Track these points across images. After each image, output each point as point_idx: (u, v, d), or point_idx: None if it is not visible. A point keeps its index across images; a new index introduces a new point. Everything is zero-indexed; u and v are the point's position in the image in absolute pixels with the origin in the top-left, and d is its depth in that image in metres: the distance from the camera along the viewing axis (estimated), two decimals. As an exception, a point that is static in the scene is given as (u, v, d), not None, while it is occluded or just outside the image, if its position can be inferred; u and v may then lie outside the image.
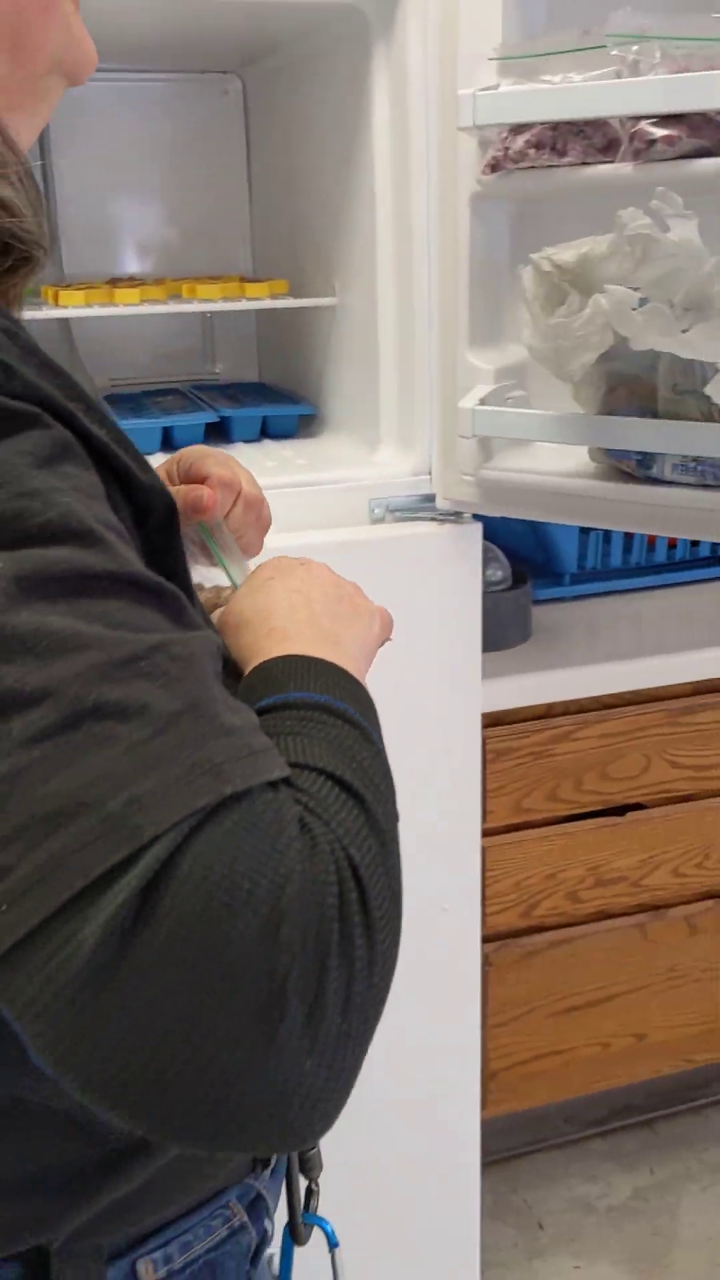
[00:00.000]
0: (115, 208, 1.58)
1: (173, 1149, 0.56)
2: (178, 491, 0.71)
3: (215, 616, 0.66)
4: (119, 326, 1.54)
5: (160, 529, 0.52)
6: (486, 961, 1.51)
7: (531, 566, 1.63)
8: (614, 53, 0.95)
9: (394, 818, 0.46)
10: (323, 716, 0.48)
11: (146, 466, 0.53)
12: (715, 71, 0.89)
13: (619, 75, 0.94)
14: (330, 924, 0.36)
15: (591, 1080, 1.65)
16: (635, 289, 0.88)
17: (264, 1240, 0.65)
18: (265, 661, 0.54)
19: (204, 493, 0.70)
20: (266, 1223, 0.65)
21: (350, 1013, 0.37)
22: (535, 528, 1.66)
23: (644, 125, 0.93)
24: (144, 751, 0.36)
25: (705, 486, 0.98)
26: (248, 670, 0.54)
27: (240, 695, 0.50)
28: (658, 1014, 1.64)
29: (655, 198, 0.85)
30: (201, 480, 0.72)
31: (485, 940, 1.47)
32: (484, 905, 1.46)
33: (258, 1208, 0.64)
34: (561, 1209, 1.71)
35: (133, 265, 1.60)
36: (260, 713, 0.47)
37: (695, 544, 1.72)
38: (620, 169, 0.95)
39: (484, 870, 1.45)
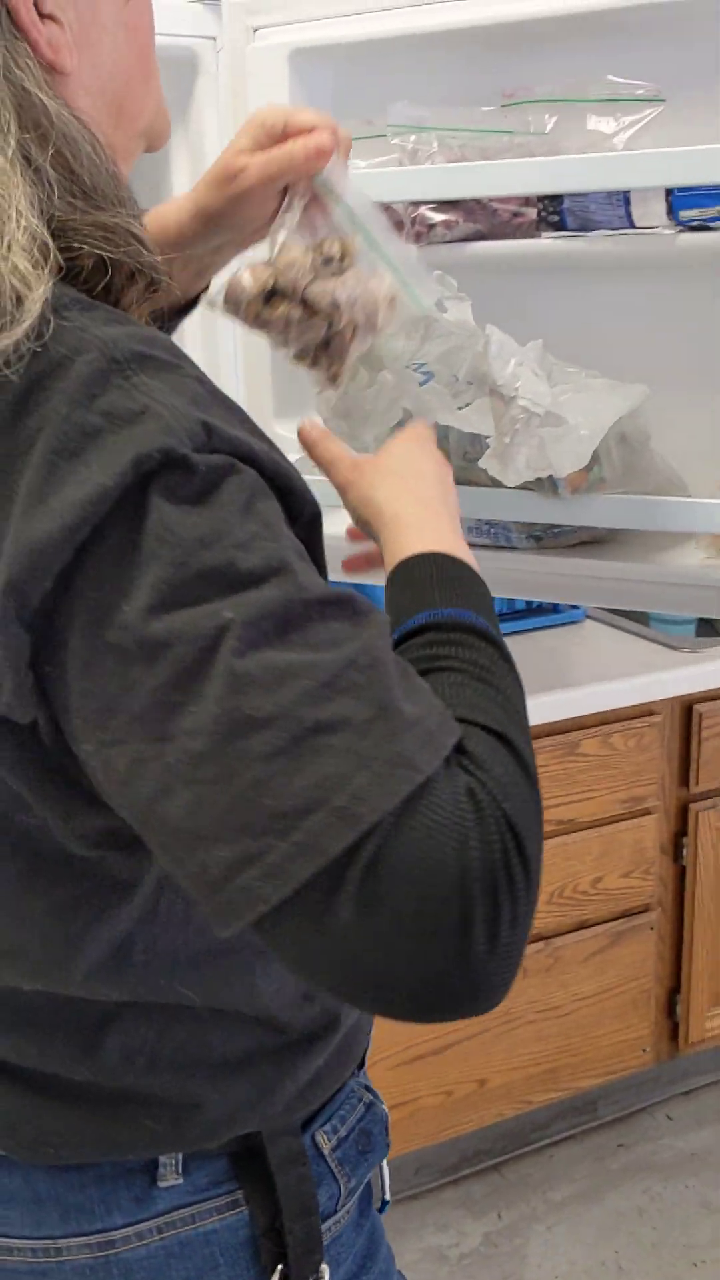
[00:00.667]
0: None
1: (338, 1037, 0.71)
2: (291, 149, 0.72)
3: (335, 276, 0.71)
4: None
5: (308, 526, 0.59)
6: (325, 1019, 1.51)
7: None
8: (394, 141, 1.01)
9: (529, 740, 0.56)
10: (469, 639, 0.58)
11: (295, 472, 0.59)
12: (487, 161, 0.95)
13: (400, 163, 0.99)
14: (499, 871, 0.48)
15: (439, 1129, 1.67)
16: (422, 364, 0.92)
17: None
18: (409, 561, 0.65)
19: (323, 138, 0.72)
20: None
21: (517, 927, 0.49)
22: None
23: (424, 210, 0.98)
24: (354, 756, 0.48)
25: (499, 547, 1.03)
26: (393, 560, 0.66)
27: (389, 598, 0.63)
28: (497, 1058, 1.68)
29: (435, 280, 0.90)
30: (308, 130, 0.73)
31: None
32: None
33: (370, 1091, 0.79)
34: (415, 1259, 1.71)
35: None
36: (415, 633, 0.59)
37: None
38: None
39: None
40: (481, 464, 0.87)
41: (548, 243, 0.94)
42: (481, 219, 0.96)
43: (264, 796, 0.48)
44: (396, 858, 0.47)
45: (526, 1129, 1.87)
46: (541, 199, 0.92)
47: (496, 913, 0.48)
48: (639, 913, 1.72)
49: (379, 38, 1.01)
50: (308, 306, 0.75)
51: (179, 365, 0.53)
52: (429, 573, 0.63)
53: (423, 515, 0.68)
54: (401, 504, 0.69)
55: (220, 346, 1.20)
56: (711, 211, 0.93)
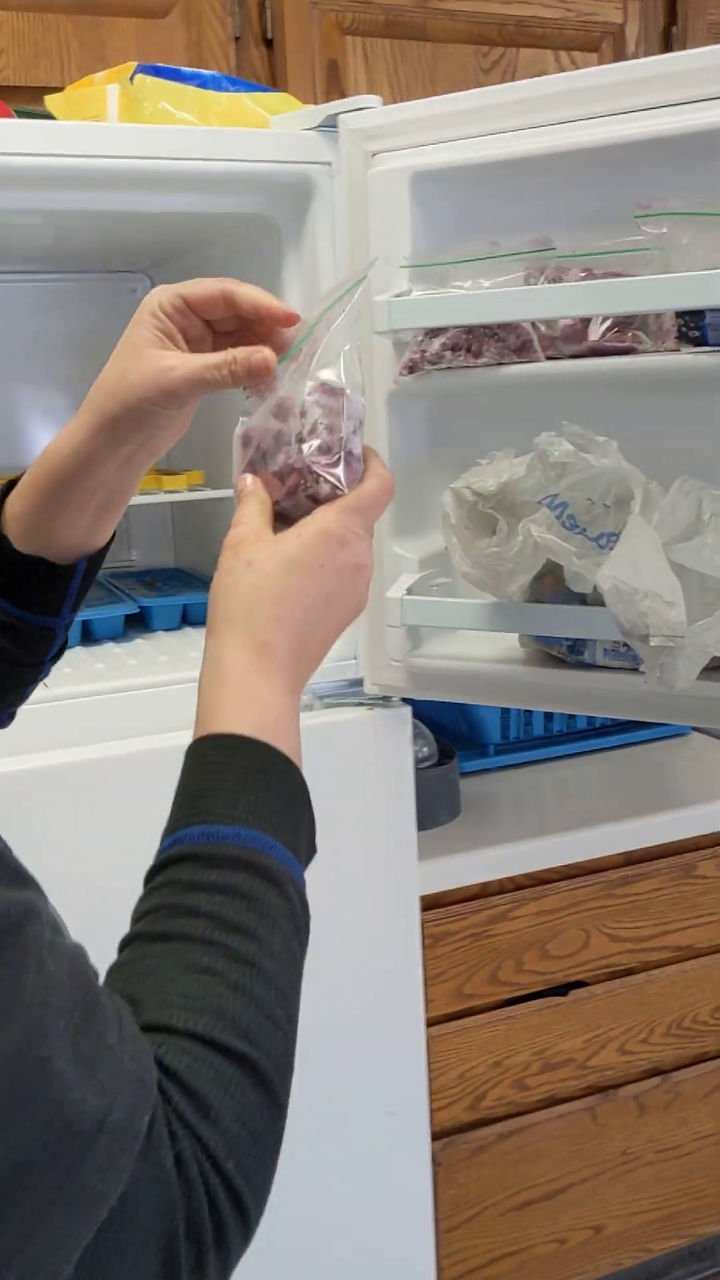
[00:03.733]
0: (23, 402, 1.58)
1: None
2: (233, 368, 0.63)
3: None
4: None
5: None
6: (434, 1161, 1.43)
7: (453, 737, 1.62)
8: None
9: (287, 1021, 0.51)
10: (239, 879, 0.52)
11: None
12: (615, 280, 0.94)
13: (528, 280, 0.98)
14: (205, 1230, 0.45)
15: None
16: (554, 496, 0.89)
17: None
18: (210, 741, 0.57)
19: (267, 353, 0.64)
20: None
21: (226, 1270, 0.47)
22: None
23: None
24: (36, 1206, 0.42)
25: (635, 670, 0.99)
26: (202, 722, 0.58)
27: (183, 774, 0.58)
28: (614, 1202, 1.57)
29: (564, 428, 0.88)
30: (268, 316, 0.65)
31: (432, 1139, 1.40)
32: (429, 1101, 1.39)
33: None
34: None
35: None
36: (174, 861, 0.53)
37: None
38: (534, 368, 0.98)
39: (428, 1064, 1.39)
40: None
41: (688, 358, 0.91)
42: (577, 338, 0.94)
43: None
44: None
45: (643, 1278, 1.75)
46: (680, 314, 0.90)
47: (202, 1271, 0.45)
48: (760, 1043, 1.63)
49: (502, 160, 1.01)
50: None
51: None
52: (224, 762, 0.56)
53: (259, 668, 0.58)
54: (242, 642, 0.58)
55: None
56: None
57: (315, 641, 0.60)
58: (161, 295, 0.65)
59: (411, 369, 1.01)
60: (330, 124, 1.11)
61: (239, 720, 0.57)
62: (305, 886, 0.56)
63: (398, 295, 1.02)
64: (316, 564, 0.59)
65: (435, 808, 1.48)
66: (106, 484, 0.68)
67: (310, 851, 0.58)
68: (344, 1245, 1.28)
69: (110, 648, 1.33)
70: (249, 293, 0.64)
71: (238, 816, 0.53)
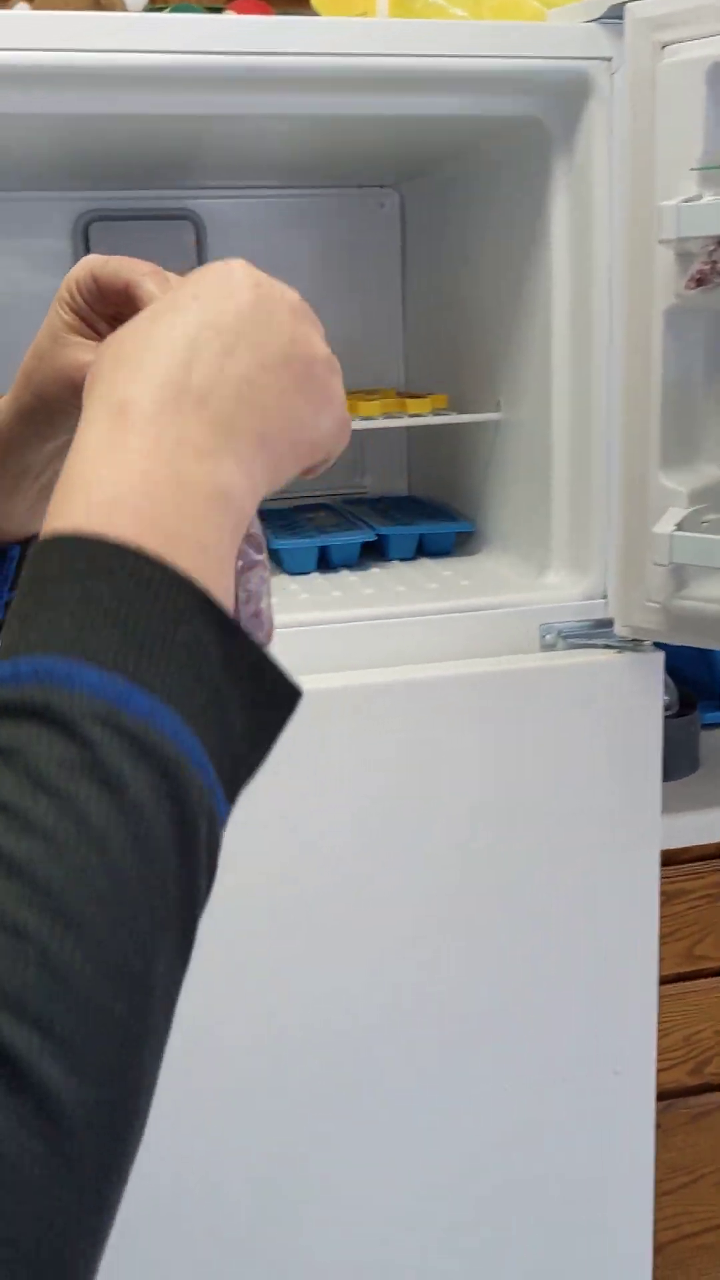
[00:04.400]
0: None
1: None
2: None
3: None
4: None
5: None
6: (655, 1124, 1.38)
7: (695, 686, 1.53)
8: None
9: (118, 1042, 0.30)
10: (45, 740, 0.32)
11: None
12: None
13: None
14: None
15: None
16: None
17: None
18: (55, 543, 0.37)
19: None
20: None
21: None
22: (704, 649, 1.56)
23: None
24: None
25: None
26: (52, 517, 0.38)
27: (21, 584, 0.37)
28: None
29: None
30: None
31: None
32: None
33: None
34: None
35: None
36: None
37: None
38: None
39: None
40: None
41: None
42: None
43: None
44: None
45: None
46: None
47: None
48: None
49: None
50: None
51: None
52: (32, 578, 0.37)
53: (110, 438, 0.39)
54: (91, 416, 0.40)
55: (592, 387, 1.11)
56: None
57: (224, 385, 0.41)
58: (78, 269, 0.53)
59: (699, 282, 0.92)
60: (615, 14, 1.02)
61: (61, 513, 0.38)
62: (196, 756, 0.35)
63: (686, 200, 0.93)
64: (187, 297, 0.44)
65: (674, 760, 1.39)
66: (38, 468, 0.57)
67: (217, 701, 0.36)
68: (562, 1204, 1.24)
69: (345, 575, 1.30)
70: (149, 297, 0.51)
71: (32, 644, 0.34)
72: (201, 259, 1.48)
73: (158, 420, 0.39)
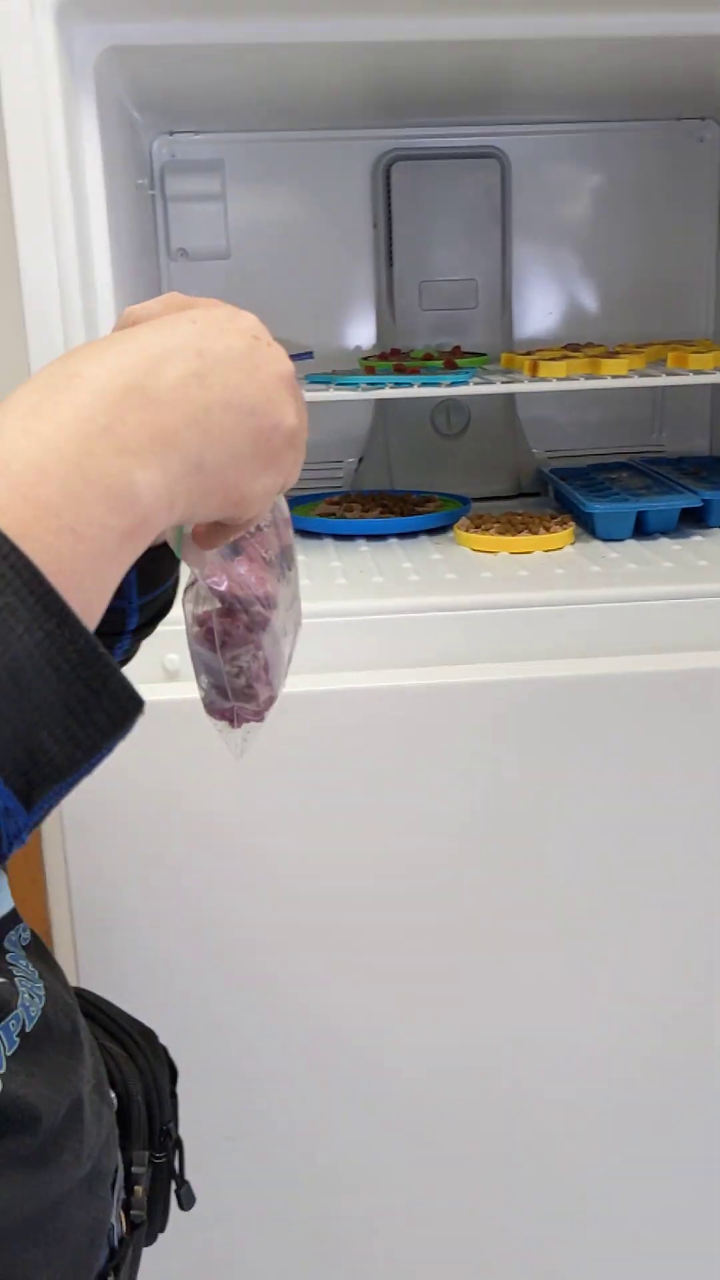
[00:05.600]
0: (565, 265, 1.46)
1: None
2: None
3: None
4: (564, 396, 1.42)
5: None
6: None
7: None
8: None
9: None
10: None
11: None
12: None
13: None
14: None
15: None
16: None
17: None
18: None
19: None
20: None
21: None
22: None
23: None
24: None
25: None
26: None
27: None
28: None
29: None
30: None
31: None
32: None
33: None
34: None
35: (578, 326, 1.48)
36: None
37: None
38: None
39: None
40: None
41: None
42: None
43: None
44: None
45: None
46: None
47: None
48: None
49: None
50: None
51: None
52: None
53: (97, 397, 0.38)
54: (103, 360, 0.40)
55: None
56: None
57: (181, 401, 0.40)
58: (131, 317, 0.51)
59: None
60: None
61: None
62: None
63: None
64: (186, 319, 0.44)
65: None
66: None
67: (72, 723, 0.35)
68: None
69: (667, 544, 1.20)
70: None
71: None
72: (505, 200, 1.40)
73: (96, 402, 0.38)
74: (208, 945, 1.02)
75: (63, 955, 1.25)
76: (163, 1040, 0.73)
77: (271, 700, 0.57)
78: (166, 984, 1.02)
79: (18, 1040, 0.50)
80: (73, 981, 1.23)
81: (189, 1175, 0.73)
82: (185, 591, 0.56)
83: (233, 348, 0.43)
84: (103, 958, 1.02)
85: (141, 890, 1.01)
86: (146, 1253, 0.70)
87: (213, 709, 0.57)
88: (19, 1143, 0.48)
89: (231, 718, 0.56)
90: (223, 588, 0.52)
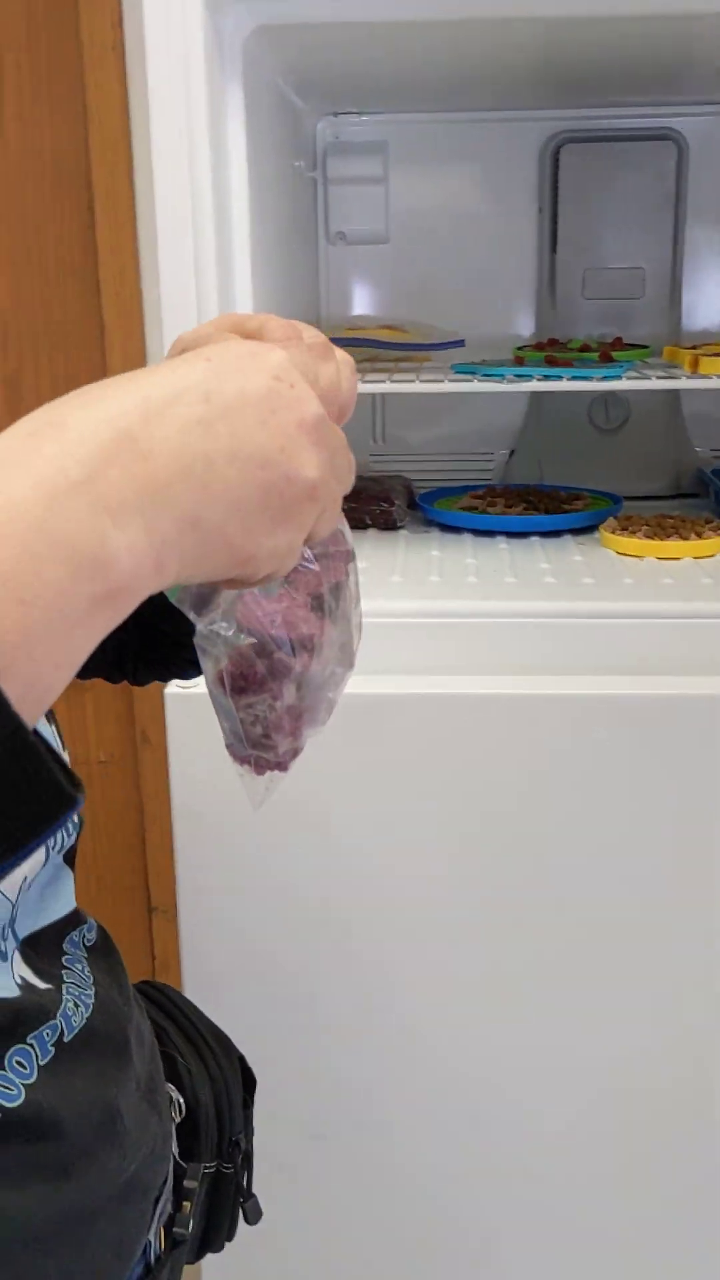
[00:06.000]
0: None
1: None
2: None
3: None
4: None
5: None
6: None
7: None
8: None
9: None
10: None
11: None
12: None
13: None
14: None
15: None
16: None
17: None
18: None
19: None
20: None
21: None
22: None
23: None
24: None
25: None
26: None
27: None
28: None
29: None
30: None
31: None
32: None
33: None
34: None
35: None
36: None
37: None
38: None
39: None
40: None
41: None
42: None
43: None
44: None
45: None
46: None
47: None
48: None
49: None
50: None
51: None
52: None
53: (74, 448, 0.34)
54: (92, 407, 0.36)
55: None
56: None
57: (178, 453, 0.36)
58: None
59: None
60: None
61: None
62: None
63: None
64: (201, 357, 0.40)
65: None
66: None
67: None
68: None
69: None
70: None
71: None
72: (680, 184, 1.32)
73: (75, 453, 0.34)
74: (305, 938, 1.01)
75: (164, 939, 1.26)
76: (254, 1030, 0.71)
77: (296, 752, 0.52)
78: (264, 973, 1.01)
79: (53, 1050, 0.49)
80: (168, 969, 1.23)
81: (267, 1181, 0.72)
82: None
83: (247, 391, 0.39)
84: (205, 942, 1.02)
85: (247, 880, 1.00)
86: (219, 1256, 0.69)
87: (233, 753, 0.53)
88: (39, 1152, 0.47)
89: (253, 763, 0.53)
90: (229, 633, 0.48)
